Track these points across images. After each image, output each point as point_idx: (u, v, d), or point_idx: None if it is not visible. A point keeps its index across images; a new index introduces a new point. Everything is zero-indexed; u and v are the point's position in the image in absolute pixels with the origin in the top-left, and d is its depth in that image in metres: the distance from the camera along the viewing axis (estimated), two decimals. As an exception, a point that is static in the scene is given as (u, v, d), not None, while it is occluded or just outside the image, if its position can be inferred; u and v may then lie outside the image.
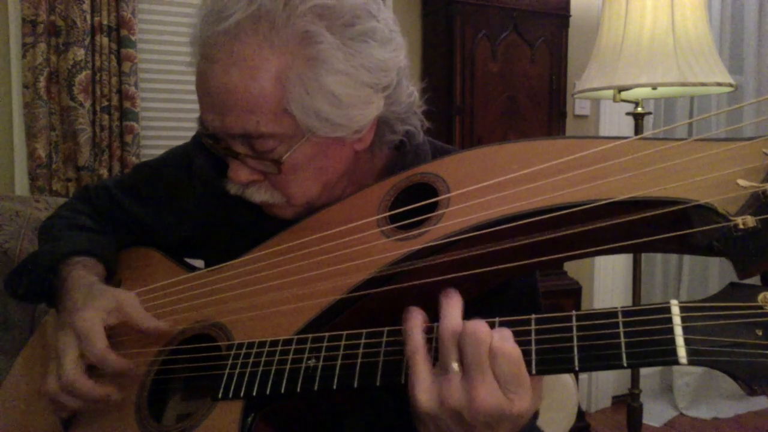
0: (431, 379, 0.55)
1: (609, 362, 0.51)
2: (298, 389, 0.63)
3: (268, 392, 0.64)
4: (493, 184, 0.68)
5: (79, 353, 0.73)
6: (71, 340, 0.74)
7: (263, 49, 0.69)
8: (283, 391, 0.63)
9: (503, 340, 0.54)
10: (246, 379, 0.66)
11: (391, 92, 0.76)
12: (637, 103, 1.92)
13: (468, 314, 0.58)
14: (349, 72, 0.71)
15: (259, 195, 0.79)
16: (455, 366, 0.54)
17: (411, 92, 0.82)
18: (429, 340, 0.58)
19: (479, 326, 0.54)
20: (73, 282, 0.84)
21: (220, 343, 0.73)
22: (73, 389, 0.72)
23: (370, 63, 0.72)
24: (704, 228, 0.54)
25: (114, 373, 0.73)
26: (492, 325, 0.56)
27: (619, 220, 0.58)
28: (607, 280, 2.88)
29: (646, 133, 0.66)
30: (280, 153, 0.74)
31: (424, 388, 0.55)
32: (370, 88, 0.73)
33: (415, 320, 0.58)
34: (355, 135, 0.76)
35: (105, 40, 1.91)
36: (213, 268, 0.82)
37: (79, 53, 1.86)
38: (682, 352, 0.48)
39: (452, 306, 0.57)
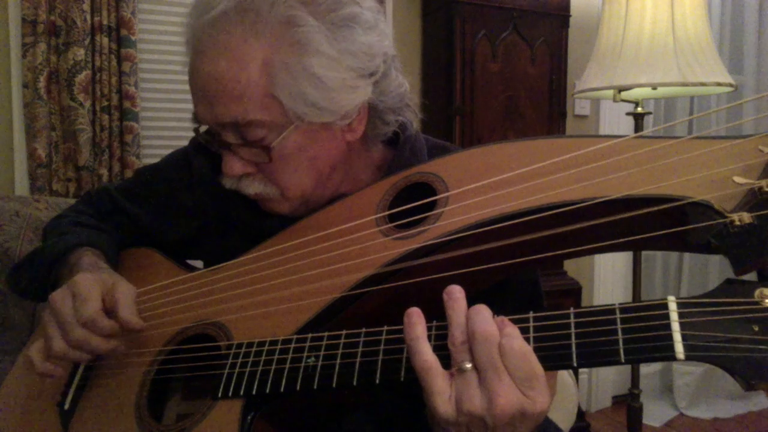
0: (449, 388, 0.54)
1: (607, 358, 0.51)
2: (298, 388, 0.63)
3: (267, 391, 0.64)
4: (491, 183, 0.68)
5: (77, 316, 0.73)
6: (68, 299, 0.73)
7: (249, 37, 0.70)
8: (282, 389, 0.64)
9: (510, 338, 0.53)
10: (246, 378, 0.66)
11: (379, 79, 0.77)
12: (637, 103, 1.92)
13: None
14: (333, 56, 0.72)
15: (253, 187, 0.80)
16: (469, 366, 0.54)
17: (401, 83, 0.82)
18: (429, 337, 0.58)
19: (486, 326, 0.54)
20: (85, 264, 0.84)
21: (219, 343, 0.73)
22: (83, 345, 0.72)
23: (354, 47, 0.73)
24: (701, 225, 0.54)
25: (104, 334, 0.73)
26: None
27: (616, 218, 0.59)
28: (607, 280, 2.87)
29: (644, 132, 0.66)
30: (270, 140, 0.74)
31: (444, 399, 0.54)
32: (355, 72, 0.74)
33: (418, 328, 0.57)
34: (342, 121, 0.76)
35: (105, 40, 1.91)
36: (212, 268, 0.82)
37: (79, 53, 1.86)
38: (679, 348, 0.48)
39: (457, 310, 0.56)
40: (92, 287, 0.74)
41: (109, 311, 0.75)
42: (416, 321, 0.57)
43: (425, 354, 0.55)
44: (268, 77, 0.71)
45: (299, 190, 0.79)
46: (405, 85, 0.83)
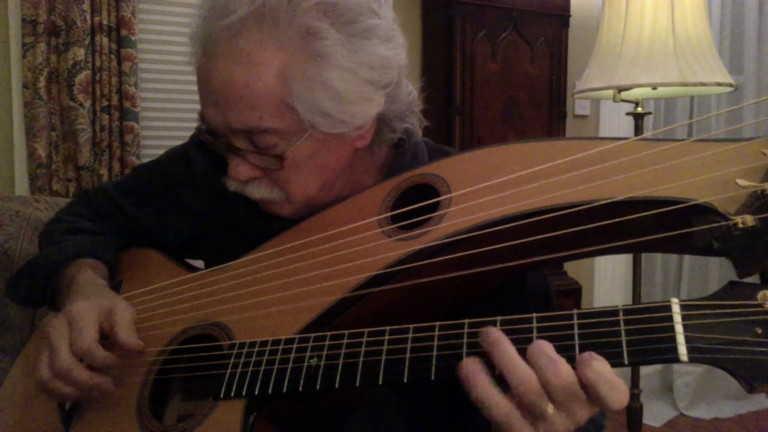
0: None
1: (610, 360, 0.51)
2: (300, 388, 0.63)
3: (270, 392, 0.64)
4: (494, 185, 0.68)
5: (71, 345, 0.72)
6: (64, 328, 0.73)
7: (266, 44, 0.69)
8: (285, 390, 0.64)
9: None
10: (248, 378, 0.66)
11: (391, 90, 0.76)
12: (637, 103, 1.92)
13: (479, 315, 0.58)
14: (352, 68, 0.71)
15: (259, 191, 0.79)
16: (551, 410, 0.52)
17: (410, 91, 0.82)
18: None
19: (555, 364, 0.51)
20: (82, 281, 0.84)
21: (221, 343, 0.73)
22: (67, 377, 0.71)
23: (372, 60, 0.72)
24: (704, 227, 0.54)
25: (101, 367, 0.72)
26: (494, 324, 0.56)
27: (619, 220, 0.59)
28: (607, 280, 2.88)
29: (646, 134, 0.67)
30: (282, 148, 0.74)
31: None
32: (372, 85, 0.73)
33: (480, 376, 0.53)
34: (356, 132, 0.76)
35: (105, 40, 1.91)
36: (214, 268, 0.82)
37: (79, 53, 1.86)
38: (682, 350, 0.49)
39: (508, 355, 0.53)
40: (89, 317, 0.73)
41: (107, 336, 0.74)
42: (476, 368, 0.54)
43: (498, 400, 0.53)
44: (284, 86, 0.70)
45: (305, 196, 0.79)
46: (413, 93, 0.83)
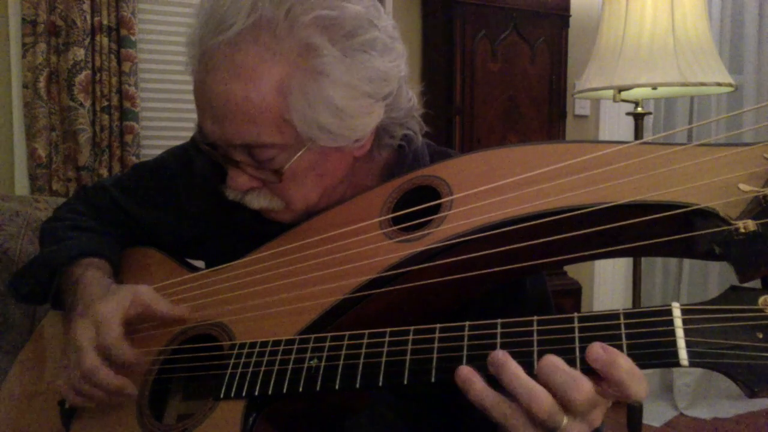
0: None
1: None
2: (300, 389, 0.63)
3: (270, 392, 0.64)
4: (495, 187, 0.68)
5: (97, 343, 0.73)
6: (90, 329, 0.74)
7: (264, 59, 0.69)
8: (285, 391, 0.64)
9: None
10: (248, 378, 0.66)
11: (391, 100, 0.76)
12: (637, 103, 1.92)
13: (479, 317, 0.58)
14: (351, 83, 0.70)
15: (258, 201, 0.79)
16: (565, 421, 0.51)
17: (410, 97, 0.82)
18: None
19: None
20: (88, 281, 0.84)
21: (222, 343, 0.73)
22: (93, 377, 0.72)
23: (371, 74, 0.71)
24: (705, 232, 0.54)
25: (125, 363, 0.73)
26: (494, 327, 0.56)
27: (621, 224, 0.59)
28: (607, 281, 2.88)
29: (647, 136, 0.67)
30: (281, 162, 0.74)
31: None
32: (371, 98, 0.73)
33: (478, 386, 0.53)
34: (355, 144, 0.76)
35: (105, 40, 1.91)
36: (215, 268, 0.82)
37: (79, 53, 1.86)
38: (683, 354, 0.49)
39: (515, 376, 0.52)
40: (113, 314, 0.74)
41: (144, 319, 0.76)
42: (473, 378, 0.53)
43: (502, 406, 0.52)
44: (282, 101, 0.70)
45: (305, 204, 0.79)
46: (413, 100, 0.82)
